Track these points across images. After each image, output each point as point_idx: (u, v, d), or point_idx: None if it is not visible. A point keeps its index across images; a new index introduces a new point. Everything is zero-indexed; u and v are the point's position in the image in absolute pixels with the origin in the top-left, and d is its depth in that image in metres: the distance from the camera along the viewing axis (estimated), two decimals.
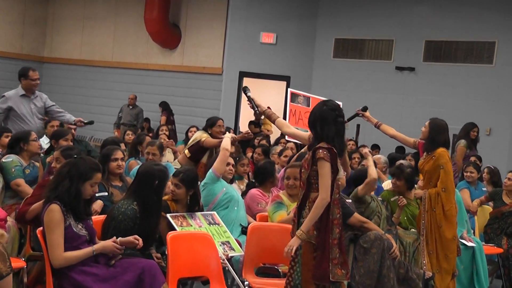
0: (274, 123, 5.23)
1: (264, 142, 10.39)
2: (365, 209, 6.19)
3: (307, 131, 4.99)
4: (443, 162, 6.02)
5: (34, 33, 17.70)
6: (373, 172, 6.16)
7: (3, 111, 8.10)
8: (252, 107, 5.37)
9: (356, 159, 8.83)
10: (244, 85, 14.84)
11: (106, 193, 5.66)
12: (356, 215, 5.85)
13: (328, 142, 4.51)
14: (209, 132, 8.17)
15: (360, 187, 6.18)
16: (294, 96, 6.19)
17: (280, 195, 6.02)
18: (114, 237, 4.51)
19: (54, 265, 4.33)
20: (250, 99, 5.41)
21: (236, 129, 14.01)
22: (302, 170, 4.61)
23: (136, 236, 4.52)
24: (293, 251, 4.47)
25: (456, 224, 6.20)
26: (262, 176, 6.70)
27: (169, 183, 5.59)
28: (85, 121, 8.14)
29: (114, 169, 5.78)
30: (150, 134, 14.22)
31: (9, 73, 16.93)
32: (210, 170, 6.20)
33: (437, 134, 6.12)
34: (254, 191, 6.61)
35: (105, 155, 5.88)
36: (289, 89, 6.22)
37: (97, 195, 5.44)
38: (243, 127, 14.62)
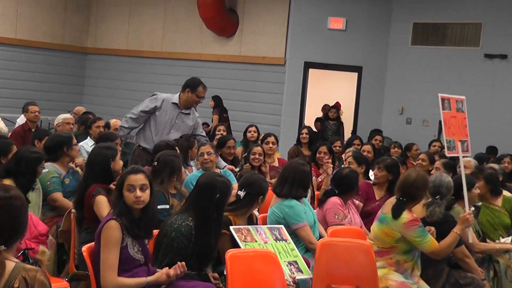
0: None
1: (338, 143, 10.27)
2: None
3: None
4: None
5: (76, 22, 17.98)
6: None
7: (149, 110, 7.91)
8: None
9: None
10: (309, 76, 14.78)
11: (168, 206, 5.76)
12: (463, 248, 5.93)
13: None
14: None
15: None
16: (443, 102, 6.00)
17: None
18: (167, 268, 4.50)
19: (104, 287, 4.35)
20: None
21: (300, 127, 13.90)
22: None
23: (181, 264, 4.49)
24: None
25: None
26: (346, 186, 6.70)
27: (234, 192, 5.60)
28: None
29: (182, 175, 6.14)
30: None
31: (50, 65, 17.31)
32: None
33: None
34: (335, 199, 6.56)
35: (168, 162, 6.02)
36: (439, 95, 5.97)
37: (158, 207, 5.55)
38: (309, 123, 14.53)
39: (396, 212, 5.64)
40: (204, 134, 8.37)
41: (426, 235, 5.60)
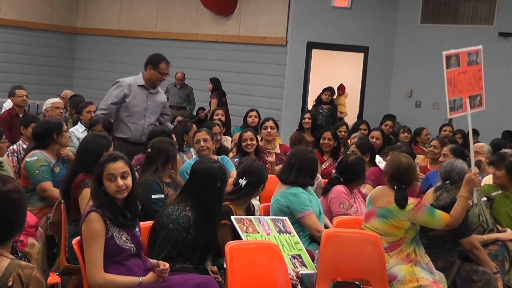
0: None
1: (343, 128, 10.26)
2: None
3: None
4: None
5: (65, 0, 17.91)
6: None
7: (118, 100, 7.81)
8: None
9: None
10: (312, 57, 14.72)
11: (163, 195, 5.73)
12: (473, 238, 5.94)
13: None
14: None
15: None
16: (448, 60, 5.96)
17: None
18: (151, 273, 4.49)
19: (91, 285, 4.36)
20: None
21: (303, 111, 13.85)
22: None
23: (161, 263, 4.51)
24: None
25: None
26: (352, 174, 6.67)
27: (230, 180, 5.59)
28: None
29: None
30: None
31: (37, 47, 17.27)
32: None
33: None
34: (340, 188, 6.54)
35: (162, 149, 5.99)
36: (443, 53, 5.94)
37: (153, 197, 5.60)
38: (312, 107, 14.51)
39: (402, 202, 5.64)
40: (168, 113, 8.28)
41: (434, 211, 5.66)
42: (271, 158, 8.09)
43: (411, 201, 5.67)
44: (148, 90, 7.88)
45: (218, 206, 4.97)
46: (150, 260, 4.56)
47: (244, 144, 8.01)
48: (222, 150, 8.30)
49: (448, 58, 5.95)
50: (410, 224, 5.64)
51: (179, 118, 10.24)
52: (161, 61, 7.88)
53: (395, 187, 5.70)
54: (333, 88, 14.25)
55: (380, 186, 6.00)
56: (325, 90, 13.98)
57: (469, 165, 6.22)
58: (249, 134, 8.08)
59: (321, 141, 8.85)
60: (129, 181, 4.47)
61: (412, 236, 5.68)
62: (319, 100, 14.01)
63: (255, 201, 6.27)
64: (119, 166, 4.47)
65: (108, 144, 5.76)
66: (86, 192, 5.26)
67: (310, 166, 6.20)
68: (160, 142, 6.09)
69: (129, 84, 7.85)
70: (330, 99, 14.02)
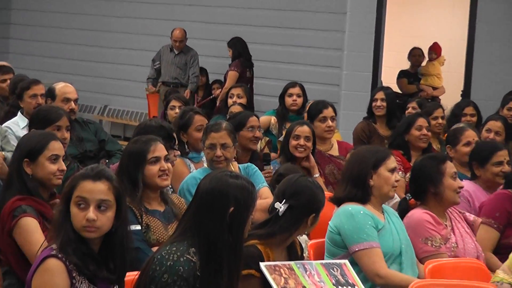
0: None
1: (439, 112, 10.17)
2: None
3: None
4: None
5: None
6: None
7: None
8: None
9: None
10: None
11: (139, 226, 5.79)
12: None
13: None
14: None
15: None
16: None
17: None
18: None
19: None
20: None
21: (374, 88, 13.76)
22: None
23: None
24: None
25: None
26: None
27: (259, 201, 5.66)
28: None
29: (153, 178, 6.02)
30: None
31: None
32: None
33: None
34: (421, 214, 6.56)
35: (136, 154, 6.01)
36: None
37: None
38: (388, 80, 14.46)
39: None
40: None
41: None
42: (308, 163, 8.04)
43: None
44: None
45: (233, 245, 4.90)
46: None
47: (295, 143, 8.05)
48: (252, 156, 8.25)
49: None
50: None
51: (175, 103, 9.96)
52: None
53: None
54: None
55: None
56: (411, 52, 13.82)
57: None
58: (306, 129, 8.16)
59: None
60: (106, 217, 4.47)
61: None
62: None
63: (301, 236, 6.25)
64: (99, 189, 4.48)
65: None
66: (25, 222, 5.39)
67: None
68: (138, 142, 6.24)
69: None
70: None
